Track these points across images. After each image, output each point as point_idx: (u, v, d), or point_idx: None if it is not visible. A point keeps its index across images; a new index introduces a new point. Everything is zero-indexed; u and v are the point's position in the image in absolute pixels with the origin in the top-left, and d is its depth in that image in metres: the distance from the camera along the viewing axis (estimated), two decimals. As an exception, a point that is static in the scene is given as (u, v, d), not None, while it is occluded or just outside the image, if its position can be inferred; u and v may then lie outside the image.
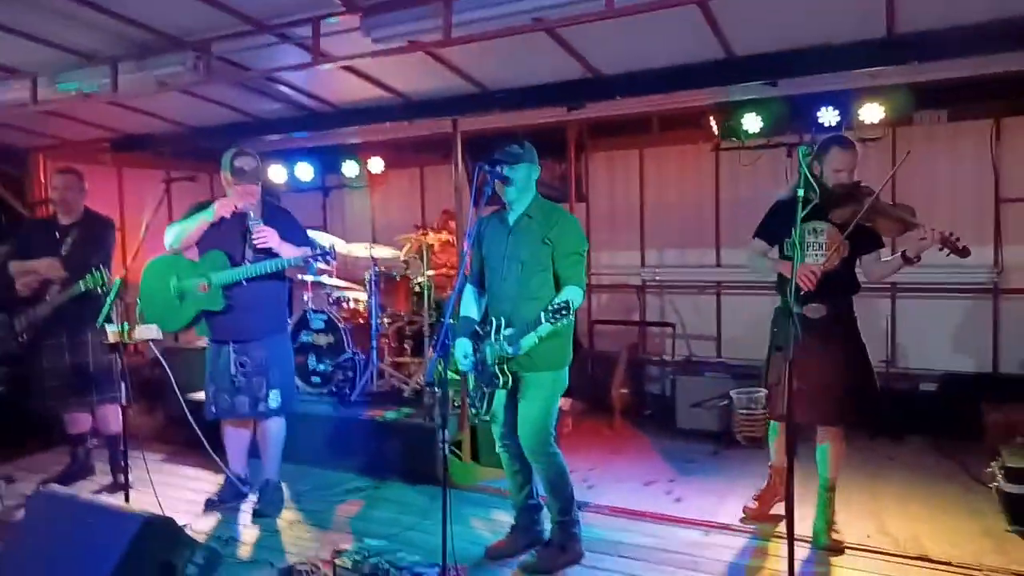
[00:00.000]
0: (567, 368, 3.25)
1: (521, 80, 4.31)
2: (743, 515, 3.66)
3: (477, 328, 3.23)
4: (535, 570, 3.15)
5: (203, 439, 3.93)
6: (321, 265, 3.91)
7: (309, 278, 5.40)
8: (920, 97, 4.75)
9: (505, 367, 3.10)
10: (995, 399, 4.70)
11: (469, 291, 3.40)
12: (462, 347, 3.22)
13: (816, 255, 3.31)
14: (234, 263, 3.69)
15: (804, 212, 2.56)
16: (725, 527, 3.60)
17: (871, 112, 4.73)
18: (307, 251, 3.72)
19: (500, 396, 3.21)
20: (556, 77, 4.20)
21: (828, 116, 4.83)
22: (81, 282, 3.96)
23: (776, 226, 3.42)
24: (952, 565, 3.12)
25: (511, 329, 3.02)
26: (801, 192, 2.52)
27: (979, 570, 3.06)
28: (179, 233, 3.73)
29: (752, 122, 5.11)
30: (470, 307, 3.35)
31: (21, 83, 4.16)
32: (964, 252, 3.10)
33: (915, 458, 4.58)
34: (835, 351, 3.26)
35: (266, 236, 3.66)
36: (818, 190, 2.96)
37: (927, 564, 3.15)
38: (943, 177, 5.34)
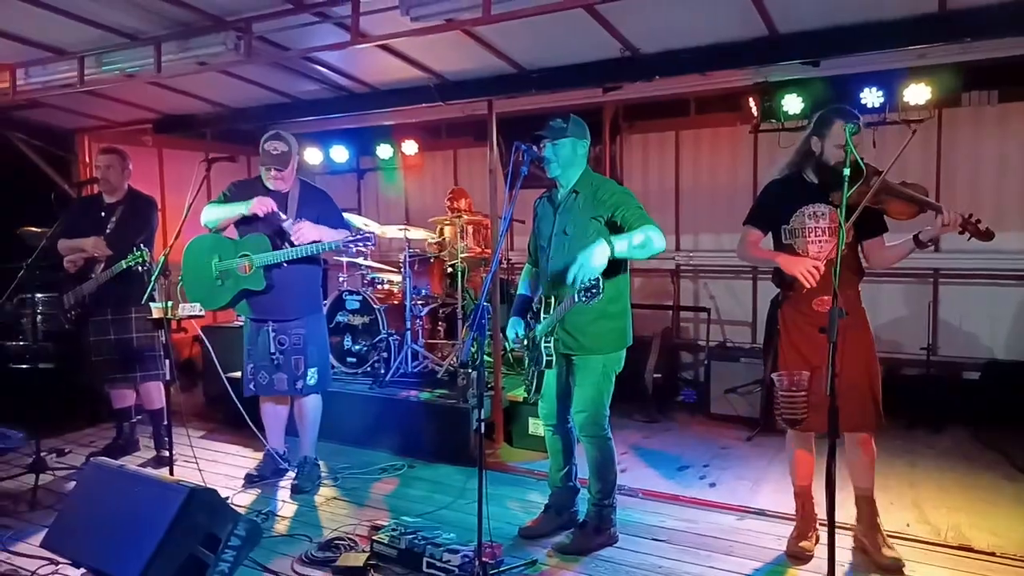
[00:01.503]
0: (622, 351, 3.20)
1: (558, 59, 4.27)
2: (787, 551, 3.16)
3: (532, 307, 3.24)
4: (570, 551, 3.17)
5: (245, 415, 4.02)
6: (360, 248, 3.91)
7: (345, 259, 5.46)
8: (969, 77, 4.61)
9: (553, 347, 3.09)
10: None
11: (527, 270, 3.43)
12: (513, 326, 3.24)
13: (819, 242, 2.98)
14: (275, 246, 3.74)
15: (792, 194, 2.45)
16: (760, 512, 3.57)
17: (917, 93, 4.60)
18: (346, 234, 3.74)
19: (550, 376, 3.21)
20: (594, 56, 4.15)
21: (872, 97, 4.70)
22: (123, 260, 4.05)
23: (769, 211, 3.11)
24: (995, 555, 3.06)
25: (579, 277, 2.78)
26: (847, 172, 2.42)
27: (1023, 560, 3.00)
28: (217, 216, 3.78)
29: (793, 103, 5.00)
30: (525, 286, 3.37)
31: (69, 64, 4.24)
32: (987, 235, 2.77)
33: (955, 447, 4.49)
34: (850, 348, 2.91)
35: (303, 234, 3.68)
36: (816, 170, 2.92)
37: (969, 554, 3.09)
38: (990, 161, 5.19)
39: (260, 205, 3.68)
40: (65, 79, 4.34)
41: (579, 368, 3.15)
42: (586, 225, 3.06)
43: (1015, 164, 5.14)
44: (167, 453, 3.61)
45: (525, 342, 3.23)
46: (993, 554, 3.07)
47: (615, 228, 3.00)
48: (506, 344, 3.28)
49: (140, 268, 4.03)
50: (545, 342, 3.10)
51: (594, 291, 2.71)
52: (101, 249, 4.20)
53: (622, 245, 2.83)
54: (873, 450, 3.06)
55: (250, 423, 4.05)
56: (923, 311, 5.30)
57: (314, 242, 3.70)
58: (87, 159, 5.90)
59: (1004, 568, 2.97)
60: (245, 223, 3.83)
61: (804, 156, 3.05)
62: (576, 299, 2.76)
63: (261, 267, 3.72)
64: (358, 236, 3.71)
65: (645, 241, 2.86)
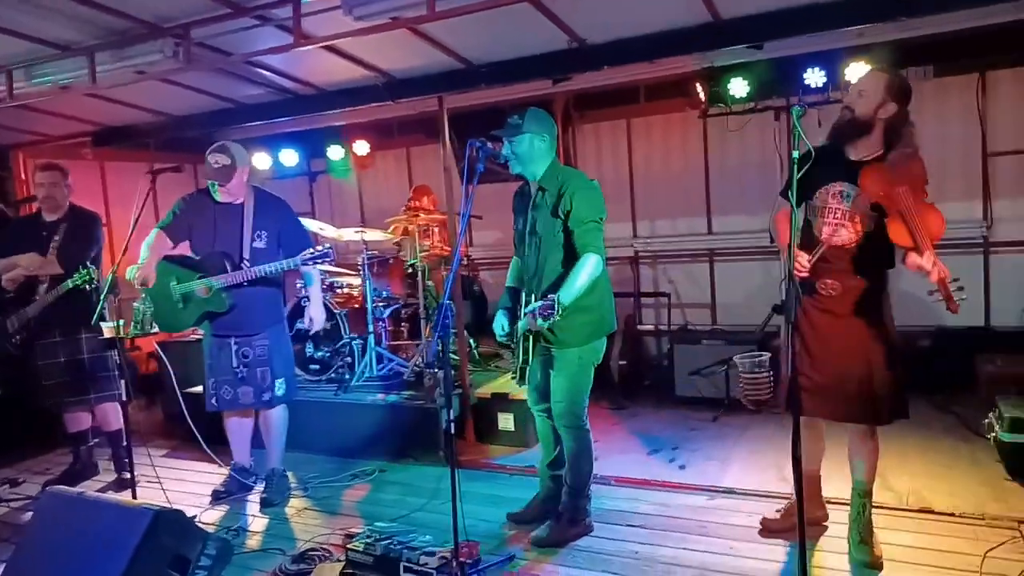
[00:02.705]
0: (599, 341, 3.20)
1: (506, 53, 4.26)
2: (761, 527, 3.18)
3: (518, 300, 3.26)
4: (546, 543, 3.18)
5: (200, 438, 3.95)
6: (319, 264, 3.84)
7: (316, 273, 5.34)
8: (906, 54, 4.74)
9: (531, 341, 3.10)
10: (988, 352, 4.77)
11: (513, 262, 3.42)
12: (499, 319, 3.26)
13: (834, 224, 2.78)
14: (232, 263, 3.66)
15: (803, 169, 2.40)
16: (729, 491, 3.64)
17: (857, 71, 4.71)
18: (305, 253, 3.63)
19: (534, 366, 3.23)
20: (542, 48, 4.15)
21: (814, 77, 4.83)
22: (69, 280, 3.92)
23: (799, 183, 3.11)
24: (955, 516, 3.17)
25: (534, 305, 2.86)
26: (796, 154, 2.44)
27: (981, 519, 3.12)
28: (141, 250, 3.70)
29: (739, 87, 5.10)
30: (512, 278, 3.38)
31: (-4, 78, 4.07)
32: (953, 307, 2.55)
33: (913, 414, 4.57)
34: (851, 338, 2.80)
35: (316, 321, 3.93)
36: (810, 147, 2.64)
37: (930, 516, 3.20)
38: (930, 134, 5.31)
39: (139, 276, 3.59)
40: (-7, 94, 4.17)
41: (557, 360, 3.17)
42: (552, 224, 3.07)
43: (953, 137, 5.31)
44: (128, 475, 3.51)
45: (511, 335, 3.24)
46: (952, 514, 3.18)
47: (568, 232, 3.03)
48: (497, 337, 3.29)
49: (89, 287, 3.91)
50: (524, 340, 3.11)
51: (549, 312, 2.74)
52: (36, 266, 4.04)
53: (569, 296, 2.88)
54: (870, 445, 2.92)
55: (203, 445, 3.97)
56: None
57: (270, 257, 3.67)
58: (23, 176, 5.68)
59: (963, 527, 3.08)
60: (204, 239, 3.74)
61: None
62: (537, 322, 2.80)
63: (220, 289, 3.64)
64: (316, 255, 3.61)
65: (588, 277, 2.94)
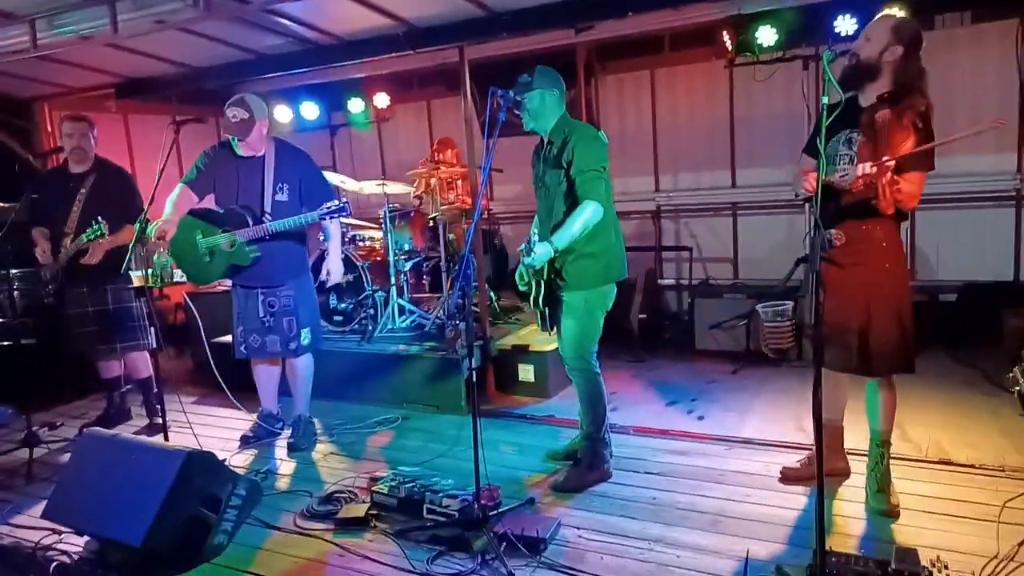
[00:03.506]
0: (606, 287, 3.27)
1: (528, 0, 4.17)
2: (780, 475, 3.21)
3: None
4: (564, 488, 3.25)
5: (224, 385, 4.04)
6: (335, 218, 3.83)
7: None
8: (942, -1, 4.58)
9: (540, 283, 3.25)
10: (1015, 306, 4.70)
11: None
12: (520, 269, 3.34)
13: (844, 171, 2.70)
14: (254, 217, 3.70)
15: (833, 117, 2.36)
16: (747, 441, 3.67)
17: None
18: (323, 208, 3.62)
19: (554, 313, 3.35)
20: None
21: (845, 24, 4.67)
22: (83, 235, 4.00)
23: (815, 137, 2.83)
24: (975, 467, 3.18)
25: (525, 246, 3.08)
26: (826, 100, 2.39)
27: (1001, 470, 3.12)
28: (166, 204, 3.74)
29: (767, 35, 4.98)
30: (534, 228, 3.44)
31: (19, 28, 4.08)
32: (884, 205, 2.55)
33: (934, 366, 4.59)
34: (853, 288, 2.78)
35: (334, 275, 3.98)
36: (842, 92, 2.67)
37: (950, 467, 3.21)
38: (965, 82, 5.19)
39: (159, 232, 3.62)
40: (17, 44, 4.19)
41: (565, 304, 3.27)
42: (556, 174, 3.17)
43: (989, 86, 5.15)
44: (160, 420, 3.62)
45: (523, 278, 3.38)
46: (972, 466, 3.19)
47: (571, 181, 3.12)
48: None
49: (101, 240, 3.98)
50: (536, 285, 3.27)
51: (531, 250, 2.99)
52: (47, 261, 4.17)
53: (563, 240, 3.03)
54: (884, 395, 2.91)
55: (227, 392, 4.08)
56: (901, 237, 5.37)
57: (293, 211, 3.69)
58: (49, 128, 5.73)
59: (983, 478, 3.09)
60: (227, 190, 3.77)
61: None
62: (525, 260, 3.04)
63: (244, 243, 3.68)
64: (332, 209, 3.60)
65: (583, 223, 3.04)
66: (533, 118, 3.21)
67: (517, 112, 3.18)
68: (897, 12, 4.27)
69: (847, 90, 2.81)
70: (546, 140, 3.26)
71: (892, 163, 2.52)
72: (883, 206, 2.57)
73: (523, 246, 3.07)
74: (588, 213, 3.03)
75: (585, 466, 3.34)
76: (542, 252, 3.01)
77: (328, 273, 3.98)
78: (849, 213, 2.77)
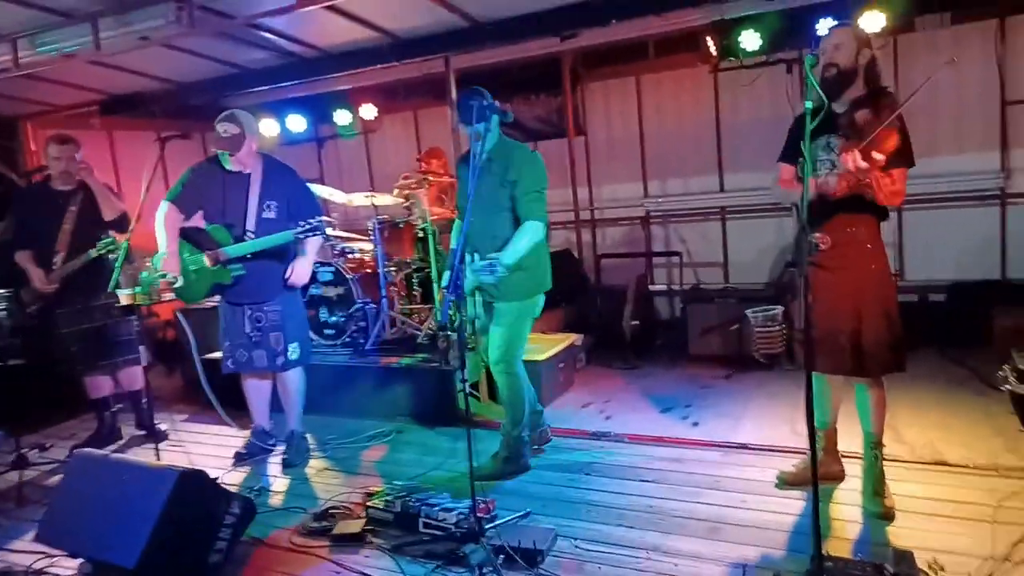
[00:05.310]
0: (537, 297, 3.51)
1: (513, 9, 4.20)
2: (777, 480, 3.21)
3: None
4: (480, 476, 3.25)
5: (214, 401, 4.01)
6: (329, 231, 3.78)
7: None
8: (922, 0, 4.62)
9: (477, 297, 3.47)
10: (1004, 305, 4.74)
11: (456, 225, 3.66)
12: (445, 278, 3.50)
13: (828, 175, 2.78)
14: (235, 235, 3.68)
15: (815, 124, 2.42)
16: (742, 447, 3.67)
17: (872, 20, 4.59)
18: (297, 228, 3.60)
19: (482, 321, 3.57)
20: (549, 3, 4.09)
21: (827, 27, 4.69)
22: (92, 250, 3.99)
23: (792, 145, 3.02)
24: (969, 468, 3.19)
25: (480, 263, 3.22)
26: (809, 104, 2.41)
27: (995, 471, 3.13)
28: (156, 230, 3.69)
29: (750, 39, 4.99)
30: (457, 240, 3.54)
31: (1, 47, 4.06)
32: (880, 199, 2.64)
33: (926, 367, 4.62)
34: (841, 291, 2.81)
35: (298, 277, 3.84)
36: (826, 99, 2.71)
37: (944, 468, 3.22)
38: (947, 83, 5.24)
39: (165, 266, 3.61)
40: (-1, 64, 4.16)
41: (497, 312, 3.49)
42: (499, 191, 3.36)
43: (971, 86, 5.21)
44: (163, 426, 3.59)
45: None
46: (966, 466, 3.20)
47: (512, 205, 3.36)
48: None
49: (111, 255, 3.97)
50: (471, 296, 3.48)
51: (492, 270, 3.12)
52: (44, 285, 4.14)
53: (512, 257, 3.24)
54: (874, 396, 2.93)
55: (218, 408, 4.04)
56: (889, 238, 5.39)
57: (275, 229, 3.66)
58: (32, 147, 5.69)
59: (976, 478, 3.10)
60: (212, 207, 3.75)
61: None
62: (480, 279, 3.21)
63: (224, 261, 3.66)
64: (306, 228, 3.58)
65: (529, 241, 3.30)
66: (483, 138, 3.27)
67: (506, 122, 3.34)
68: (880, 14, 4.39)
69: (825, 101, 2.80)
70: (484, 156, 3.29)
71: (882, 158, 2.58)
72: (881, 198, 2.64)
73: (476, 263, 3.22)
74: (533, 232, 3.30)
75: (502, 459, 3.56)
76: (500, 270, 3.14)
77: (292, 272, 3.81)
78: (832, 216, 2.81)
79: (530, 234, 3.29)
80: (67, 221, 4.14)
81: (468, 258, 3.36)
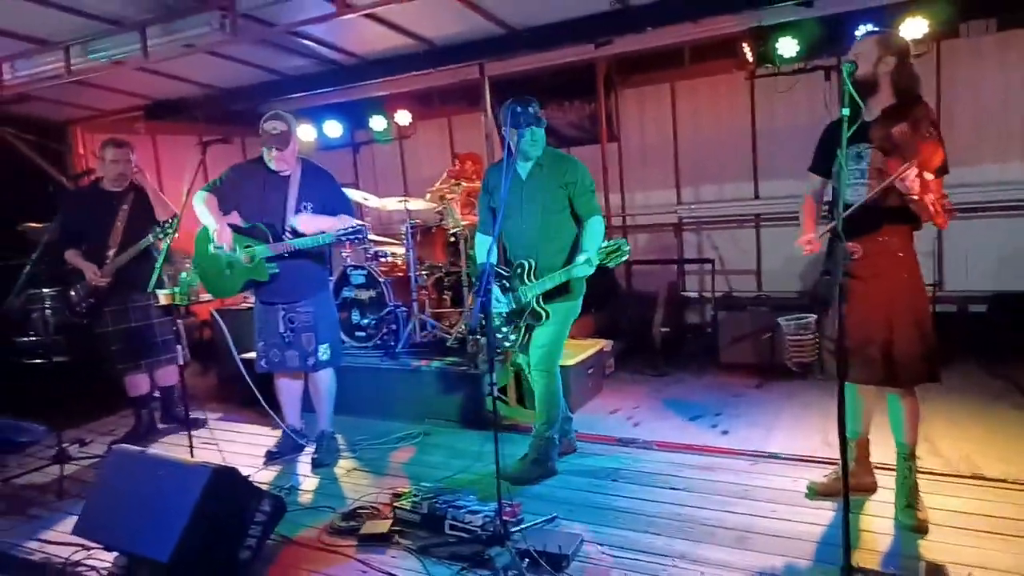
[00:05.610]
0: (579, 300, 3.57)
1: (547, 17, 4.22)
2: (807, 490, 3.16)
3: (501, 271, 3.54)
4: (508, 478, 3.34)
5: (259, 396, 4.07)
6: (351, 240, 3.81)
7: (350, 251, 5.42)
8: (966, 7, 4.53)
9: (542, 303, 3.44)
10: (1047, 317, 4.62)
11: (481, 239, 3.68)
12: (496, 296, 3.48)
13: (856, 185, 2.79)
14: (275, 234, 3.75)
15: (850, 132, 2.39)
16: (773, 456, 3.62)
17: (914, 27, 4.52)
18: (342, 224, 3.66)
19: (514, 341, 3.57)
20: (584, 10, 4.11)
21: (858, 36, 4.63)
22: (143, 240, 4.16)
23: (823, 155, 3.04)
24: (1007, 482, 3.10)
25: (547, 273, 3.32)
26: (846, 111, 2.39)
27: (1034, 486, 3.05)
28: (199, 215, 3.78)
29: (788, 46, 4.95)
30: (486, 254, 3.42)
31: (54, 54, 4.22)
32: (940, 222, 2.55)
33: (964, 379, 4.51)
34: (873, 301, 2.78)
35: (305, 226, 3.81)
36: (862, 106, 2.66)
37: (981, 482, 3.14)
38: (992, 92, 5.13)
39: (219, 237, 3.68)
40: (52, 70, 4.33)
41: (552, 313, 3.49)
42: (557, 195, 3.44)
43: (1017, 93, 5.08)
44: (202, 416, 3.65)
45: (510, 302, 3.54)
46: (1004, 480, 3.12)
47: (569, 205, 3.47)
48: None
49: (167, 241, 4.10)
50: (537, 303, 3.43)
51: (611, 252, 3.19)
52: (95, 277, 4.27)
53: (594, 251, 3.26)
54: (907, 407, 2.88)
55: (264, 404, 4.11)
56: (928, 248, 5.30)
57: (320, 232, 3.72)
58: (81, 150, 5.88)
59: (1015, 493, 3.02)
60: (251, 205, 3.83)
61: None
62: (587, 260, 3.22)
63: (263, 259, 3.74)
64: (348, 231, 3.63)
65: (600, 233, 3.43)
66: (534, 145, 3.43)
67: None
68: (922, 20, 4.29)
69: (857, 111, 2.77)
70: (529, 165, 3.48)
71: (933, 177, 2.52)
72: (939, 222, 2.56)
73: (530, 276, 3.34)
74: (601, 225, 3.44)
75: (531, 461, 3.56)
76: (585, 266, 3.20)
77: (300, 215, 3.77)
78: (864, 225, 2.76)
79: (599, 227, 3.43)
80: (119, 219, 4.31)
81: (524, 265, 3.44)
